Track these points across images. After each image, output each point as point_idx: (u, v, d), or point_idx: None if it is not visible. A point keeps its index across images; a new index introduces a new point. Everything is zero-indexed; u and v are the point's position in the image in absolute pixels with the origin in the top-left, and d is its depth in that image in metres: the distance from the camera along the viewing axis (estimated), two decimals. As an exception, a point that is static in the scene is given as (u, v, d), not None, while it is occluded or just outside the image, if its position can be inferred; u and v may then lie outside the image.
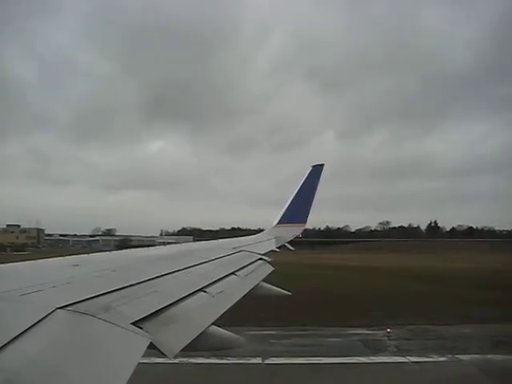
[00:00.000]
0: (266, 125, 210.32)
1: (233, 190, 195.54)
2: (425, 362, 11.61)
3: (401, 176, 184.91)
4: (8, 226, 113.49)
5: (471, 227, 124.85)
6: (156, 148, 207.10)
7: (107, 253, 3.56)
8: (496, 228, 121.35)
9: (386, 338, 14.01)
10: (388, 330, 14.38)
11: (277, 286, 4.08)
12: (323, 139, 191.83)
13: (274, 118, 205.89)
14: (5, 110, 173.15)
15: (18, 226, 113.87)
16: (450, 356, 11.99)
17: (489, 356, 11.89)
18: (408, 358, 11.89)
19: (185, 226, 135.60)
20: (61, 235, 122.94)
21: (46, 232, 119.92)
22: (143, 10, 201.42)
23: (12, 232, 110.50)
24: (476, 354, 12.11)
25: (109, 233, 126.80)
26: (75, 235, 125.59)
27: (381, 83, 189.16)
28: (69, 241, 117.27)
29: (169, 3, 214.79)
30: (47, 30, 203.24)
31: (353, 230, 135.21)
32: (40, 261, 2.57)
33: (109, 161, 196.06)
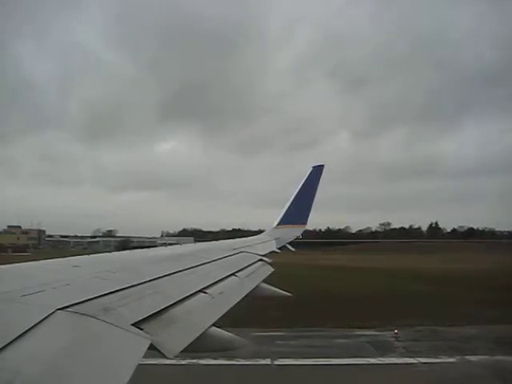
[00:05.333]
0: (280, 125, 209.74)
1: (240, 191, 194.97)
2: (434, 362, 11.58)
3: (402, 177, 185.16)
4: (9, 227, 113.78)
5: (472, 228, 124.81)
6: (166, 148, 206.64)
7: (107, 254, 3.55)
8: (497, 229, 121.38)
9: (393, 339, 14.02)
10: (395, 331, 14.38)
11: (278, 287, 4.08)
12: (334, 140, 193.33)
13: (289, 118, 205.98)
14: (15, 109, 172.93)
15: (19, 227, 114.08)
16: (458, 357, 11.97)
17: (498, 357, 11.85)
18: (417, 359, 11.87)
19: (185, 227, 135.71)
20: (61, 236, 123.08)
21: (47, 233, 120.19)
22: (163, 8, 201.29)
23: (13, 233, 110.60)
24: (485, 355, 12.10)
25: (109, 234, 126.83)
26: (76, 236, 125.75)
27: (398, 83, 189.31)
28: (70, 242, 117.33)
29: (190, 2, 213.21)
30: (65, 29, 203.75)
31: (353, 231, 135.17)
32: (40, 262, 2.57)
33: (116, 161, 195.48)
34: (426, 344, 13.53)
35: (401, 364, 11.63)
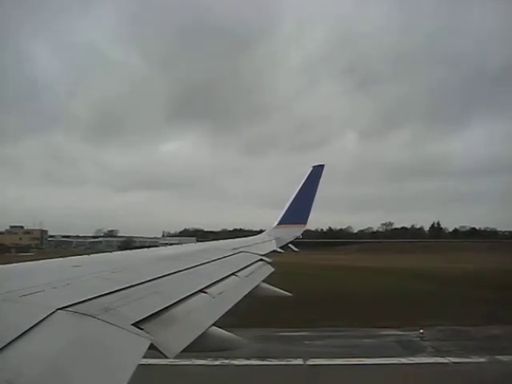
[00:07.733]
0: (286, 125, 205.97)
1: (243, 191, 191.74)
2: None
3: (404, 177, 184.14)
4: (12, 227, 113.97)
5: (474, 228, 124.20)
6: (171, 148, 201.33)
7: (108, 254, 3.57)
8: (498, 229, 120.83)
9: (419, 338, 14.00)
10: (421, 330, 14.31)
11: (279, 287, 4.07)
12: (339, 140, 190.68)
13: (295, 118, 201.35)
14: (19, 108, 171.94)
15: (22, 227, 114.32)
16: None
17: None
18: (448, 358, 11.80)
19: (187, 227, 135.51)
20: (63, 236, 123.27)
21: (49, 233, 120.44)
22: (172, 7, 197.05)
23: (16, 233, 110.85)
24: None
25: (111, 234, 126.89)
26: (78, 236, 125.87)
27: (404, 83, 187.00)
28: (72, 242, 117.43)
29: (198, 0, 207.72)
30: (73, 28, 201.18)
31: (355, 231, 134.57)
32: (41, 261, 2.58)
33: (120, 161, 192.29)
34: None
35: (431, 363, 11.58)
